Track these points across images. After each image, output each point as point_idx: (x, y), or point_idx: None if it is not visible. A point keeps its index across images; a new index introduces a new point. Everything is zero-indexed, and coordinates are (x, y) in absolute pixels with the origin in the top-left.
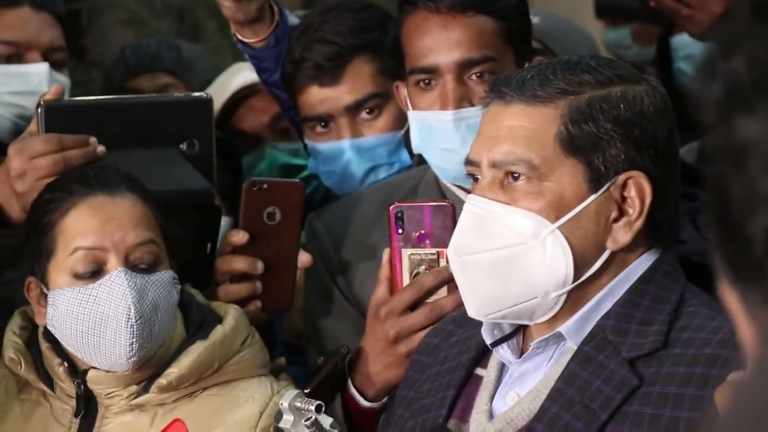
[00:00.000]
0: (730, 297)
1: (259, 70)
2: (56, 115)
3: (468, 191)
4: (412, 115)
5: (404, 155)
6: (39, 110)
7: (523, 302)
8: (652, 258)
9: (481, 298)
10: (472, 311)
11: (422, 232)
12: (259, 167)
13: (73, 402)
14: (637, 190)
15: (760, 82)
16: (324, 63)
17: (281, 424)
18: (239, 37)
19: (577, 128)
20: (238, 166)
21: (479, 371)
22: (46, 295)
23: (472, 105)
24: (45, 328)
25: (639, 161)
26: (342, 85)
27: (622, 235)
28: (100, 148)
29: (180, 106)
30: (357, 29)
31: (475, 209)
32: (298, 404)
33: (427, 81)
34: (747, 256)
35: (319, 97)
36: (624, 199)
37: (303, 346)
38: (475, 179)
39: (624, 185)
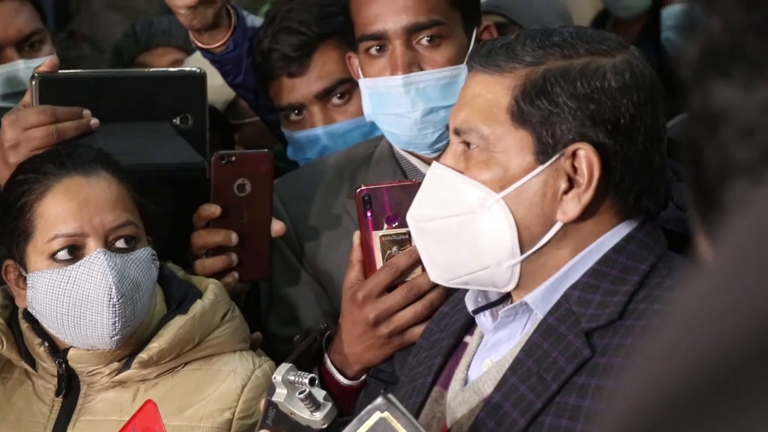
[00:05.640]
0: (709, 255)
1: (223, 74)
2: (50, 87)
3: (420, 158)
4: (363, 83)
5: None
6: (33, 82)
7: (477, 270)
8: (629, 228)
9: (439, 264)
10: (433, 276)
11: (391, 213)
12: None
13: (56, 381)
14: (587, 163)
15: (735, 48)
16: (291, 54)
17: (275, 398)
18: (198, 43)
19: (528, 101)
20: (231, 140)
21: (467, 339)
22: (24, 278)
23: (421, 69)
24: (25, 309)
25: (592, 135)
26: (310, 74)
27: (571, 207)
28: (94, 121)
29: (174, 80)
30: (322, 16)
31: (433, 176)
32: (292, 377)
33: (378, 48)
34: (720, 223)
35: (289, 87)
36: (576, 171)
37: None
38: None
39: (575, 157)
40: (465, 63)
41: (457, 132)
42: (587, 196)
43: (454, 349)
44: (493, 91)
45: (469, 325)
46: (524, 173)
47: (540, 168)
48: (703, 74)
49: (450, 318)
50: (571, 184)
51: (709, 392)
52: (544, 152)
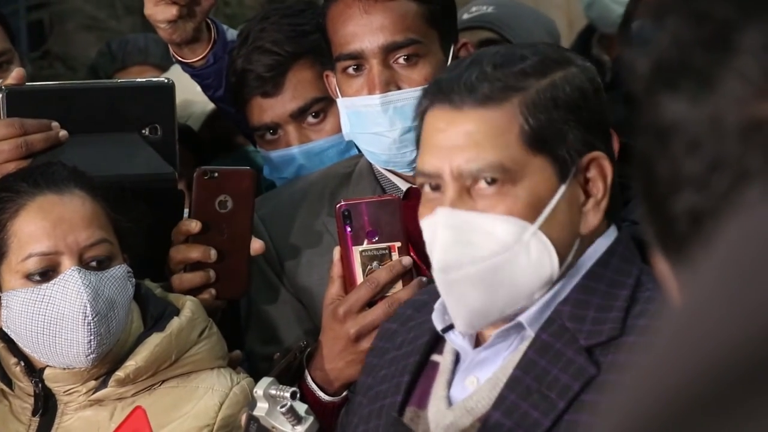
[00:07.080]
0: (662, 266)
1: (203, 88)
2: (18, 100)
3: (400, 176)
4: (341, 102)
5: (355, 154)
6: (0, 95)
7: (510, 309)
8: (608, 241)
9: (470, 312)
10: (462, 326)
11: (371, 228)
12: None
13: (32, 400)
14: (599, 170)
15: (683, 62)
16: (265, 74)
17: (256, 412)
18: (178, 58)
19: (537, 122)
20: (204, 158)
21: (435, 357)
22: None
23: (399, 88)
24: (0, 328)
25: (593, 142)
26: (284, 93)
27: (591, 217)
28: (62, 133)
29: (142, 91)
30: (295, 35)
31: (451, 222)
32: (273, 391)
33: (355, 67)
34: (671, 234)
35: (263, 107)
36: (587, 181)
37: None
38: (433, 188)
39: (586, 168)
40: (426, 99)
41: (464, 174)
42: (605, 203)
43: (422, 367)
44: (495, 124)
45: (435, 343)
46: (552, 195)
47: (564, 186)
48: (653, 88)
49: (405, 335)
50: (586, 194)
51: (705, 404)
52: (563, 169)
